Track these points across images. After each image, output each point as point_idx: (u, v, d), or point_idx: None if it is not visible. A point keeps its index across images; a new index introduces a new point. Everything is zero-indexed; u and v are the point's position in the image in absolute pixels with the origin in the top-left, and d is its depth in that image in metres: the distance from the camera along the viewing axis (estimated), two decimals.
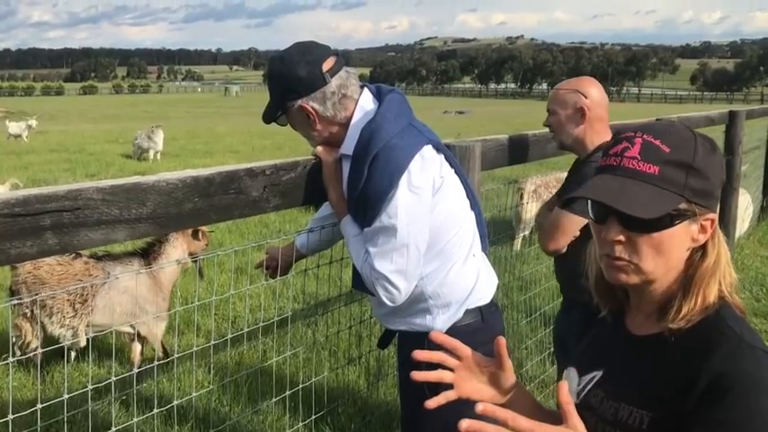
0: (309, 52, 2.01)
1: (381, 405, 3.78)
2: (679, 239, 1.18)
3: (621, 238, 1.19)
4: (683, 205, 1.16)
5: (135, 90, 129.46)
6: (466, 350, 1.29)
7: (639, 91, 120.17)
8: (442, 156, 2.09)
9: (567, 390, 1.10)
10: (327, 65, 2.00)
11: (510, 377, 1.29)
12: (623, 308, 1.32)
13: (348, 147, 2.03)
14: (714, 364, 1.11)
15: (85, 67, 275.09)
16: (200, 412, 3.83)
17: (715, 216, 1.20)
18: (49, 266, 4.28)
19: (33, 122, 23.83)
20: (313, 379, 3.49)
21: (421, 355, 1.27)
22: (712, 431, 1.09)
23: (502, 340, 1.26)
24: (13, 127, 23.34)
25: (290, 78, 1.99)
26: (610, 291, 1.32)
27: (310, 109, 2.01)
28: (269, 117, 2.10)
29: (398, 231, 1.95)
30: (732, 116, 5.56)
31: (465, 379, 1.29)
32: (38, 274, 4.27)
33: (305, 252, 2.54)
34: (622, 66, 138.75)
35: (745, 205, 6.97)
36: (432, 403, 1.24)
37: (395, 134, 1.97)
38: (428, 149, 2.02)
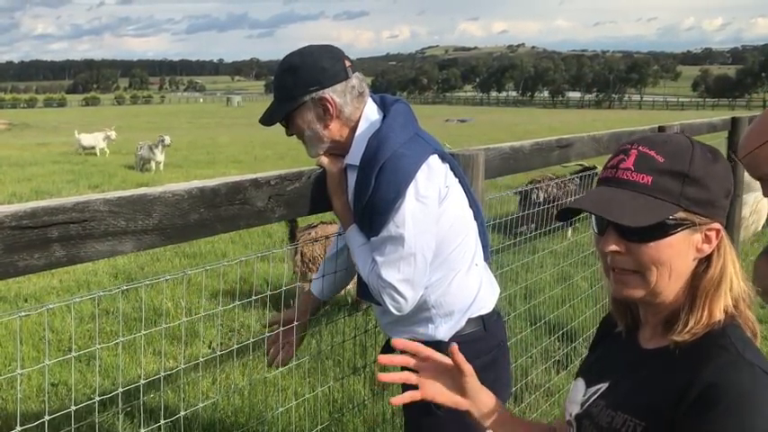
0: (329, 49, 2.04)
1: (387, 414, 3.77)
2: (681, 249, 1.17)
3: (616, 248, 1.19)
4: (680, 214, 1.16)
5: (137, 101, 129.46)
6: (429, 352, 1.37)
7: (641, 98, 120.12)
8: (447, 165, 2.09)
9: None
10: (347, 62, 2.04)
11: (473, 382, 1.36)
12: (638, 323, 1.32)
13: (354, 157, 2.04)
14: (707, 375, 1.09)
15: (88, 78, 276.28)
16: (206, 423, 3.82)
17: (720, 226, 1.19)
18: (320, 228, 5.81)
19: (113, 134, 21.52)
20: (318, 389, 3.48)
21: (384, 359, 1.36)
22: None
23: (454, 347, 1.34)
24: (87, 138, 21.21)
25: (314, 68, 1.98)
26: (625, 306, 1.32)
27: (331, 100, 1.99)
28: (276, 115, 2.04)
29: (406, 240, 1.95)
30: (735, 123, 5.53)
31: (429, 381, 1.37)
32: (315, 234, 5.69)
33: (323, 297, 2.42)
34: (624, 73, 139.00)
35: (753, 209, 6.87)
36: (396, 401, 1.34)
37: (402, 144, 1.98)
38: (434, 159, 2.02)
